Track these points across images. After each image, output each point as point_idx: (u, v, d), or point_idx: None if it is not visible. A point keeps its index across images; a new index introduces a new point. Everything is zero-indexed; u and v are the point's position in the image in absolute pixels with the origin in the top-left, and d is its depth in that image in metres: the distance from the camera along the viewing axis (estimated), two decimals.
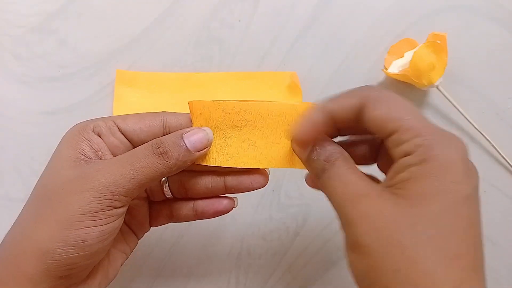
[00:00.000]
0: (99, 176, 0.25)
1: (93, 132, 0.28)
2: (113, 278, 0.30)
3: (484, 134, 0.40)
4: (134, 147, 0.29)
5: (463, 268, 0.20)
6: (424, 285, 0.20)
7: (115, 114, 0.42)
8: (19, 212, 0.27)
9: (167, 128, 0.29)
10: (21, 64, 0.43)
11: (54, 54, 0.43)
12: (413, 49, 0.40)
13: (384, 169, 0.28)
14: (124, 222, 0.31)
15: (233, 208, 0.31)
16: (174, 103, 0.42)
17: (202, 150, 0.28)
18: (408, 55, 0.40)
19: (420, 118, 0.23)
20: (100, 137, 0.28)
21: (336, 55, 0.42)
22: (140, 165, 0.26)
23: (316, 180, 0.26)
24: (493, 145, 0.40)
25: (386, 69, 0.41)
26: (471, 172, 0.23)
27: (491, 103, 0.41)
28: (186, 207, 0.32)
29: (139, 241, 0.32)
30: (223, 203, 0.31)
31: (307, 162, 0.26)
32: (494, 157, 0.41)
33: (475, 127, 0.40)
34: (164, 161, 0.26)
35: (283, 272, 0.41)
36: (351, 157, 0.26)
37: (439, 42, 0.38)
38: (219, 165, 0.29)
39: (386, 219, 0.21)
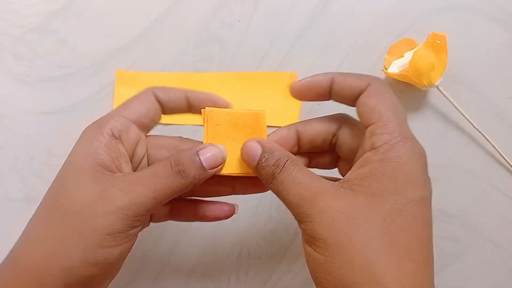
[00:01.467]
0: (123, 196, 0.25)
1: (112, 135, 0.27)
2: (116, 274, 0.29)
3: (484, 134, 0.40)
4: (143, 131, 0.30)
5: (414, 261, 0.22)
6: (376, 275, 0.21)
7: None
8: (27, 220, 0.27)
9: (162, 103, 0.30)
10: (21, 64, 0.43)
11: (54, 54, 0.43)
12: (413, 49, 0.40)
13: (344, 173, 0.29)
14: None
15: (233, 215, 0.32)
16: None
17: (216, 168, 0.27)
18: (408, 55, 0.40)
19: (401, 120, 0.25)
20: (120, 138, 0.28)
21: (336, 55, 0.42)
22: (161, 185, 0.26)
23: (267, 185, 0.27)
24: (493, 145, 0.40)
25: (386, 69, 0.41)
26: (427, 180, 0.24)
27: (491, 103, 0.41)
28: (188, 207, 0.32)
29: (139, 241, 0.32)
30: (224, 209, 0.31)
31: (257, 169, 0.27)
32: (494, 157, 0.41)
33: (475, 127, 0.40)
34: (182, 180, 0.26)
35: (283, 272, 0.41)
36: (315, 164, 0.28)
37: (439, 42, 0.38)
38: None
39: (342, 215, 0.23)
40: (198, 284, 0.41)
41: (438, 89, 0.40)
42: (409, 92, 0.42)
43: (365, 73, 0.42)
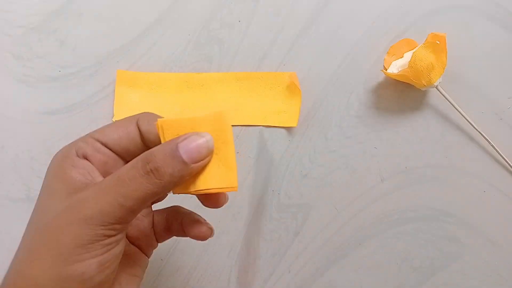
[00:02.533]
0: (85, 207, 0.23)
1: (77, 156, 0.26)
2: None
3: (483, 134, 0.40)
4: (121, 158, 0.27)
5: None
6: None
7: (115, 114, 0.42)
8: (27, 220, 0.26)
9: (142, 133, 0.27)
10: (21, 64, 0.43)
11: (54, 54, 0.43)
12: (412, 49, 0.40)
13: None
14: (131, 242, 0.30)
15: (208, 239, 0.30)
16: (174, 103, 0.43)
17: (201, 161, 0.24)
18: (408, 56, 0.40)
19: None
20: (86, 158, 0.26)
21: (335, 56, 0.43)
22: (126, 190, 0.23)
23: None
24: (492, 145, 0.40)
25: (386, 70, 0.41)
26: None
27: (491, 103, 0.42)
28: (177, 225, 0.30)
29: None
30: (202, 231, 0.29)
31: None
32: (494, 157, 0.41)
33: (474, 127, 0.40)
34: (155, 180, 0.23)
35: (282, 272, 0.41)
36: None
37: (438, 42, 0.38)
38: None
39: None
40: (198, 283, 0.41)
41: (437, 89, 0.40)
42: (409, 92, 0.42)
43: (364, 73, 0.42)
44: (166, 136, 0.25)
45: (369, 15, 0.43)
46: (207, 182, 0.25)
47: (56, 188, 0.24)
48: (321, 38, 0.43)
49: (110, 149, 0.27)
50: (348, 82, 0.42)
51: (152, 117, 0.27)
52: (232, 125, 0.42)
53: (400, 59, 0.41)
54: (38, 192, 0.25)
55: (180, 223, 0.30)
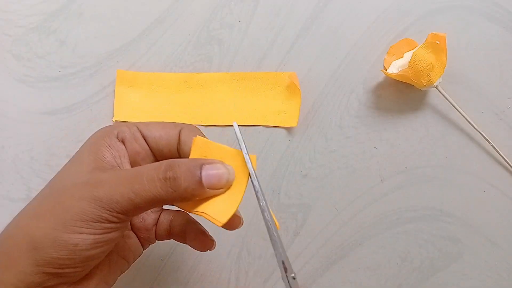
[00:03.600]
0: (100, 188, 0.24)
1: (117, 138, 0.28)
2: (113, 284, 0.29)
3: (483, 134, 0.40)
4: (153, 154, 0.29)
5: None
6: None
7: (115, 114, 0.42)
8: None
9: (180, 142, 0.29)
10: (21, 64, 0.43)
11: (54, 54, 0.43)
12: (412, 49, 0.40)
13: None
14: (132, 229, 0.31)
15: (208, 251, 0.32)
16: (174, 103, 0.43)
17: (216, 189, 0.25)
18: (408, 56, 0.40)
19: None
20: (123, 143, 0.28)
21: (335, 56, 0.43)
22: (140, 187, 0.24)
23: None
24: (492, 145, 0.40)
25: (386, 70, 0.41)
26: None
27: (490, 103, 0.42)
28: (180, 232, 0.31)
29: None
30: (204, 244, 0.31)
31: None
32: (494, 157, 0.41)
33: (474, 127, 0.40)
34: (168, 189, 0.24)
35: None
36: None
37: (438, 42, 0.38)
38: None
39: None
40: (198, 283, 0.41)
41: (437, 89, 0.40)
42: (409, 92, 0.42)
43: (364, 73, 0.42)
44: (195, 153, 0.27)
45: (369, 15, 0.43)
46: (206, 207, 0.26)
47: (86, 159, 0.26)
48: (321, 38, 0.43)
49: (147, 143, 0.29)
50: (348, 82, 0.42)
51: (194, 131, 0.29)
52: (232, 125, 0.42)
53: (400, 59, 0.41)
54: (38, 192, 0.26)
55: (183, 230, 0.31)
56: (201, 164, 0.25)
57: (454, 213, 0.41)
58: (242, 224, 0.30)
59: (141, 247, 0.31)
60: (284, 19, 0.43)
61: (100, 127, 0.29)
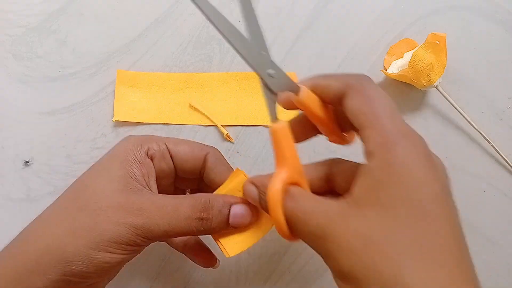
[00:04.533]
0: (139, 217, 0.26)
1: (147, 154, 0.29)
2: (114, 277, 0.30)
3: (483, 134, 0.40)
4: (176, 172, 0.30)
5: (450, 277, 0.19)
6: None
7: (115, 114, 0.42)
8: (28, 220, 0.27)
9: (206, 167, 0.30)
10: (21, 64, 0.43)
11: (54, 54, 0.43)
12: (412, 49, 0.40)
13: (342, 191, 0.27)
14: None
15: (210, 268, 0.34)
16: (175, 103, 0.42)
17: (238, 227, 0.28)
18: (408, 56, 0.40)
19: (391, 115, 0.22)
20: (152, 160, 0.29)
21: (335, 56, 0.42)
22: (176, 224, 0.26)
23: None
24: (492, 145, 0.40)
25: (386, 70, 0.41)
26: (435, 168, 0.21)
27: (491, 103, 0.42)
28: (186, 248, 0.34)
29: None
30: (207, 261, 0.33)
31: (263, 208, 0.26)
32: (494, 157, 0.41)
33: (474, 127, 0.40)
34: (200, 228, 0.27)
35: (282, 271, 0.41)
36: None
37: (438, 42, 0.38)
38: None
39: (358, 241, 0.20)
40: (198, 284, 0.41)
41: (437, 89, 0.40)
42: (409, 92, 0.42)
43: (365, 73, 0.42)
44: (230, 183, 0.29)
45: (369, 15, 0.43)
46: (223, 236, 0.29)
47: (115, 174, 0.27)
48: (321, 38, 0.43)
49: (173, 162, 0.30)
50: None
51: (220, 158, 0.31)
52: (232, 125, 0.42)
53: (400, 59, 0.41)
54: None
55: (184, 243, 0.33)
56: (230, 203, 0.27)
57: None
58: (218, 265, 0.34)
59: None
60: (284, 19, 0.43)
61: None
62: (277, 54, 0.43)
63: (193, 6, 0.24)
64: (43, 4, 0.43)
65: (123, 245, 0.25)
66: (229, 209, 0.27)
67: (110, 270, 0.26)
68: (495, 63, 0.42)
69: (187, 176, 0.31)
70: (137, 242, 0.26)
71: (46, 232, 0.26)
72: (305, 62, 0.42)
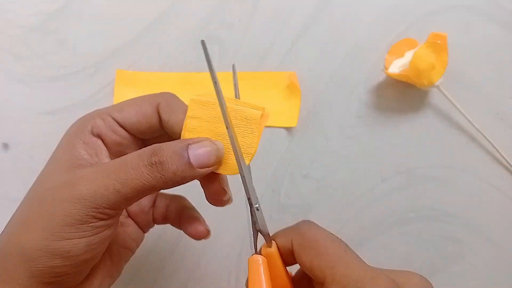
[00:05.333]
0: (81, 185, 0.23)
1: (92, 133, 0.26)
2: (118, 275, 0.29)
3: (484, 134, 0.40)
4: (138, 140, 0.27)
5: None
6: None
7: None
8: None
9: (162, 121, 0.26)
10: (21, 64, 0.43)
11: (54, 54, 0.43)
12: (413, 49, 0.40)
13: None
14: (129, 216, 0.30)
15: (202, 239, 0.30)
16: None
17: (208, 168, 0.24)
18: (409, 55, 0.40)
19: (348, 262, 0.22)
20: (100, 137, 0.26)
21: (336, 55, 0.42)
22: (126, 176, 0.22)
23: None
24: (493, 145, 0.40)
25: (387, 69, 0.41)
26: None
27: (491, 103, 0.41)
28: (175, 217, 0.30)
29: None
30: (199, 231, 0.30)
31: None
32: (494, 157, 0.41)
33: (475, 127, 0.40)
34: (156, 174, 0.23)
35: None
36: None
37: (439, 42, 0.38)
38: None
39: None
40: (198, 284, 0.41)
41: (438, 89, 0.40)
42: (410, 92, 0.42)
43: (365, 73, 0.42)
44: (186, 133, 0.25)
45: (370, 14, 0.43)
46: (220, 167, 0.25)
47: (61, 160, 0.25)
48: (321, 38, 0.43)
49: (127, 131, 0.27)
50: (349, 82, 0.42)
51: (172, 102, 0.27)
52: None
53: (401, 58, 0.41)
54: None
55: (178, 215, 0.30)
56: (187, 144, 0.24)
57: (454, 213, 0.41)
58: (231, 201, 0.29)
59: (142, 232, 0.31)
60: (284, 19, 0.43)
61: (118, 104, 0.28)
62: (276, 54, 0.42)
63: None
64: (43, 4, 0.43)
65: (77, 226, 0.22)
66: (188, 150, 0.23)
67: (83, 263, 0.23)
68: (496, 63, 0.42)
69: (151, 136, 0.28)
70: (92, 216, 0.22)
71: (4, 232, 0.24)
72: (305, 62, 0.42)
